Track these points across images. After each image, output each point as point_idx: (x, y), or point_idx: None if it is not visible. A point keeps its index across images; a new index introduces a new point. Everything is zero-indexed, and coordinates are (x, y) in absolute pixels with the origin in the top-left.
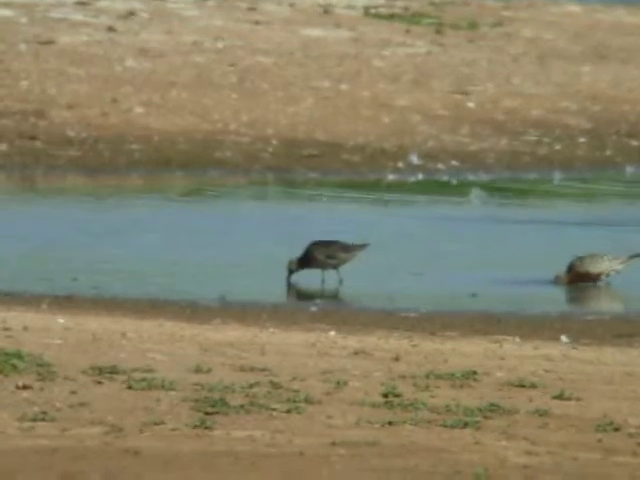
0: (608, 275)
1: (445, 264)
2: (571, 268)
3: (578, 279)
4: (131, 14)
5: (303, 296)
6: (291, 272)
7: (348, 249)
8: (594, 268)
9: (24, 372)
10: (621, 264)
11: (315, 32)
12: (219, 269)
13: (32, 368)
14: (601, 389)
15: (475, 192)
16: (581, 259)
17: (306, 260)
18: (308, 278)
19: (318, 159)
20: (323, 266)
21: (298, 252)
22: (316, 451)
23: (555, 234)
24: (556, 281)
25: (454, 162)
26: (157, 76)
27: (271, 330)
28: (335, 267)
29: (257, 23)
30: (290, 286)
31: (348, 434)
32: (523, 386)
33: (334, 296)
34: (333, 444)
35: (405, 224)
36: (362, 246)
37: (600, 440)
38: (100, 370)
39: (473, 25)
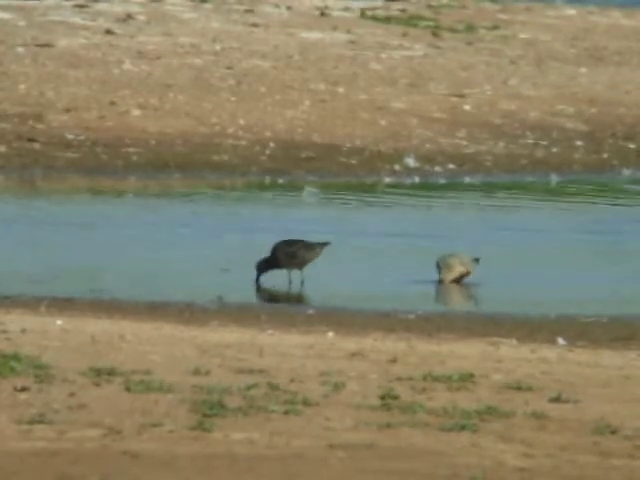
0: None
1: None
2: (446, 269)
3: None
4: (129, 17)
5: (272, 297)
6: (260, 272)
7: (310, 248)
8: (461, 268)
9: (22, 374)
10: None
11: (312, 35)
12: (216, 271)
13: (30, 370)
14: (598, 392)
15: (308, 191)
16: (448, 259)
17: (272, 261)
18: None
19: (315, 162)
20: (286, 266)
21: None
22: (314, 453)
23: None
24: (442, 282)
25: (451, 165)
26: (154, 79)
27: (269, 332)
28: (299, 267)
29: (254, 26)
30: (259, 287)
31: (346, 436)
32: (520, 389)
33: (298, 297)
34: (331, 446)
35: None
36: (324, 244)
37: (597, 443)
38: (98, 372)
39: (470, 28)
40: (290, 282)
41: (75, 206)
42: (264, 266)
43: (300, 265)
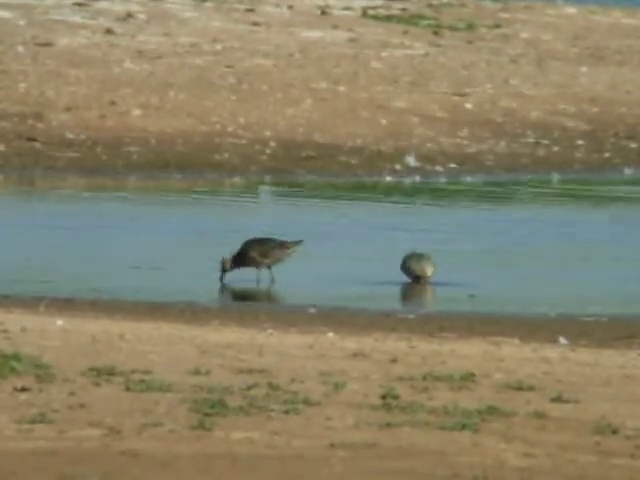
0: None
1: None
2: (412, 268)
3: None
4: (129, 16)
5: (238, 296)
6: (224, 271)
7: (283, 247)
8: (430, 267)
9: (22, 374)
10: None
11: (313, 34)
12: (217, 270)
13: (30, 370)
14: (599, 391)
15: (263, 190)
16: (416, 259)
17: (241, 259)
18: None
19: (316, 161)
20: (257, 265)
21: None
22: (315, 453)
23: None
24: (420, 281)
25: (452, 164)
26: (155, 78)
27: (269, 332)
28: (269, 266)
29: (255, 25)
30: (223, 285)
31: (346, 436)
32: (521, 388)
33: (267, 296)
34: (332, 446)
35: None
36: (297, 243)
37: (598, 442)
38: (98, 372)
39: (471, 27)
40: (258, 281)
41: (74, 206)
42: (230, 265)
43: (272, 264)
